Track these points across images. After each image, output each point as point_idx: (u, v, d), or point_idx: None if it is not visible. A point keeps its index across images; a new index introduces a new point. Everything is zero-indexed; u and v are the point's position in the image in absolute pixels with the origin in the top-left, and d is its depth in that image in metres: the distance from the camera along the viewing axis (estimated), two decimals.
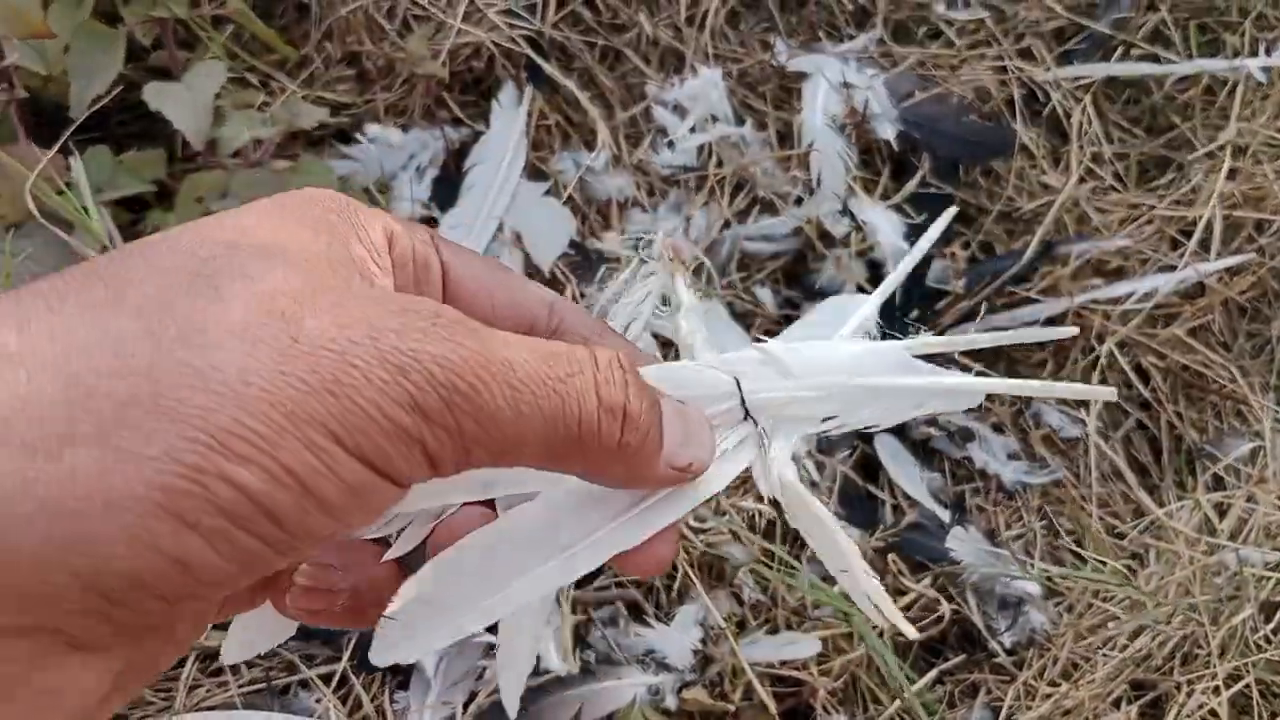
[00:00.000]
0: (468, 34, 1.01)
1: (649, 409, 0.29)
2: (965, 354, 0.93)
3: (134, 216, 0.93)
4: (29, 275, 0.81)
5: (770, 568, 0.78)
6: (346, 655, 0.78)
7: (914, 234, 0.96)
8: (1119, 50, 1.04)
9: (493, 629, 0.33)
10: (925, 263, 0.90)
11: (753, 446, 0.35)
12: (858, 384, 0.35)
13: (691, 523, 0.80)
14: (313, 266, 0.25)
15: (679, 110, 1.03)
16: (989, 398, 0.94)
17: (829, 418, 0.35)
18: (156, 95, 0.87)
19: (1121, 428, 0.92)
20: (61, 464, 0.21)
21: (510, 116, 1.02)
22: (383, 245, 0.29)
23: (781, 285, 1.01)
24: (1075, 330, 0.37)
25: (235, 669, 0.80)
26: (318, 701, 0.78)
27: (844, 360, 0.35)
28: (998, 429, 0.92)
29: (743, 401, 0.34)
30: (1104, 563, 0.81)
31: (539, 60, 0.99)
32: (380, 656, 0.30)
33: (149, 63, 0.98)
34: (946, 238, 0.99)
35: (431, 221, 0.99)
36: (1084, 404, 0.92)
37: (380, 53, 1.04)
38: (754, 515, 0.84)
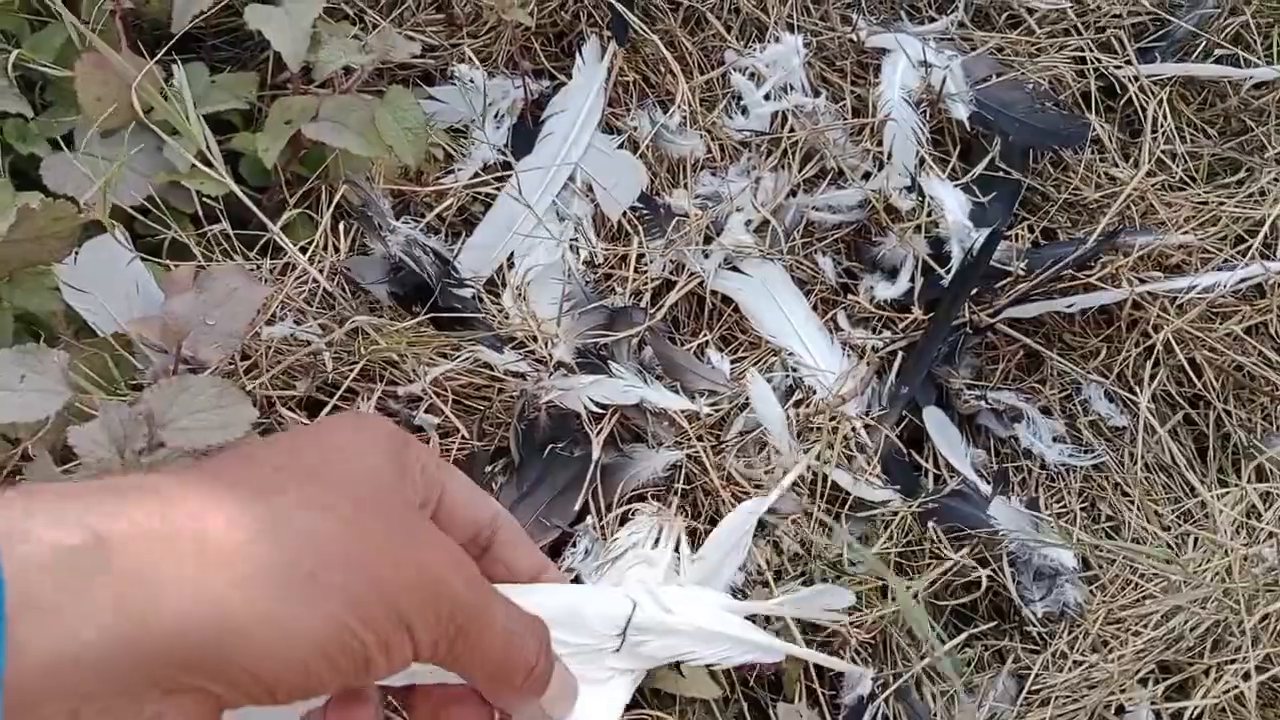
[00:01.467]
0: None
1: (546, 670, 0.41)
2: (1014, 325, 0.94)
3: (220, 138, 0.97)
4: (129, 176, 0.85)
5: (808, 519, 0.80)
6: None
7: (979, 214, 0.98)
8: (1200, 49, 1.05)
9: None
10: (995, 241, 0.91)
11: (622, 686, 0.49)
12: (713, 630, 0.54)
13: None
14: (403, 499, 0.39)
15: (756, 77, 1.05)
16: (1048, 370, 0.95)
17: (683, 654, 0.52)
18: (257, 16, 0.90)
19: (1169, 421, 0.93)
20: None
21: (592, 70, 1.04)
22: (419, 475, 0.41)
23: (843, 256, 1.02)
24: (848, 599, 0.67)
25: None
26: None
27: (709, 610, 0.55)
28: (1045, 411, 0.93)
29: (628, 622, 0.49)
30: (1147, 536, 0.82)
31: (627, 14, 1.01)
32: None
33: None
34: (1011, 221, 1.00)
35: (506, 166, 1.02)
36: (1133, 391, 0.93)
37: None
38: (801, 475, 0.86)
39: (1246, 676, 0.72)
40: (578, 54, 1.04)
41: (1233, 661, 0.74)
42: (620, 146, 1.01)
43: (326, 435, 0.39)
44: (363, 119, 0.87)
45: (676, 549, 0.70)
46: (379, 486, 0.37)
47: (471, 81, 1.01)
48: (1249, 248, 0.90)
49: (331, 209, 0.90)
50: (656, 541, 0.70)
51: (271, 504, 0.33)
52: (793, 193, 1.02)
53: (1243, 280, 0.89)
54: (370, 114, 0.88)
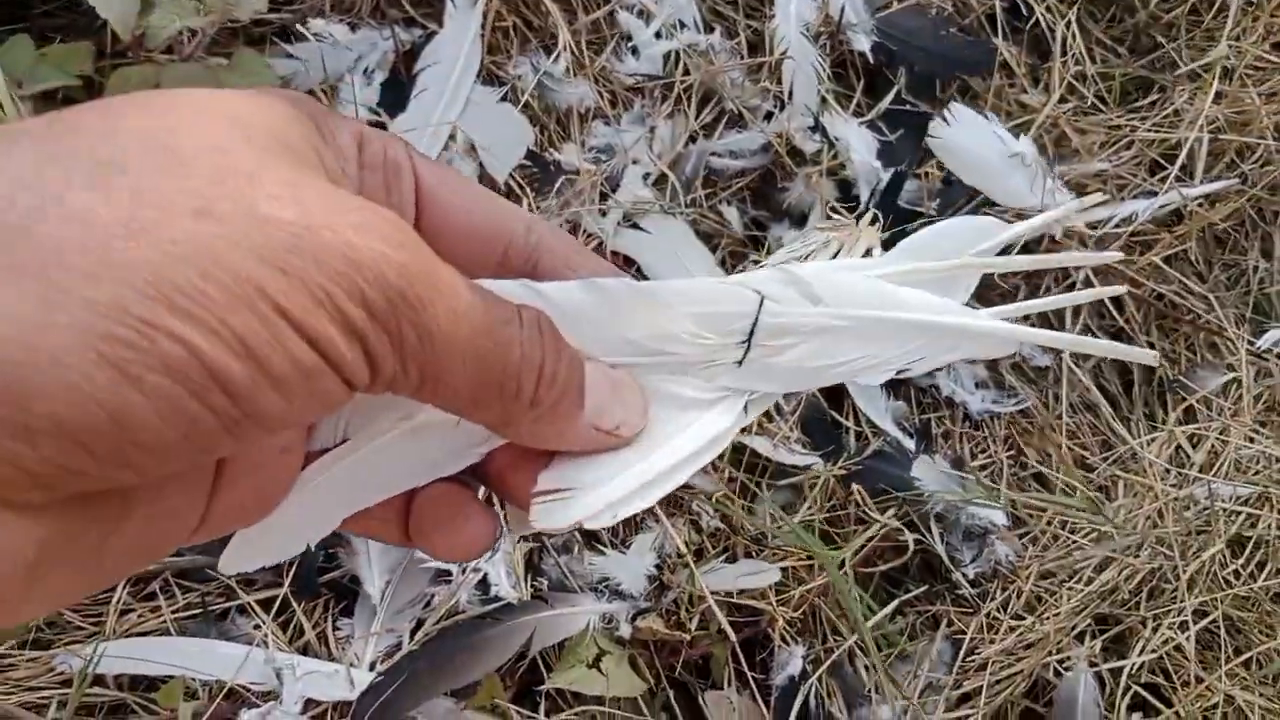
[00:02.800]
0: None
1: (567, 368, 0.29)
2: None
3: None
4: None
5: (731, 500, 0.75)
6: (288, 580, 0.75)
7: (887, 153, 0.92)
8: None
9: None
10: (898, 183, 0.86)
11: (729, 411, 0.33)
12: (891, 318, 0.32)
13: None
14: (281, 153, 0.24)
15: (644, 15, 0.98)
16: None
17: (838, 363, 0.33)
18: None
19: (1092, 358, 0.90)
20: (1, 306, 0.20)
21: (465, 16, 0.96)
22: (352, 151, 0.28)
23: (749, 204, 0.96)
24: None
25: (169, 592, 0.76)
26: (256, 628, 0.75)
27: (876, 293, 0.32)
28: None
29: (754, 324, 0.32)
30: (1070, 492, 0.79)
31: None
32: (229, 566, 0.32)
33: None
34: (920, 157, 0.95)
35: (380, 127, 0.94)
36: (1055, 329, 0.89)
37: None
38: None
39: (1184, 627, 0.70)
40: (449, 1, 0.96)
41: (1169, 611, 0.71)
42: (503, 99, 0.93)
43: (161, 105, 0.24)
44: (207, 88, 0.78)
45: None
46: (216, 141, 0.23)
47: (330, 36, 0.92)
48: (1167, 174, 0.87)
49: None
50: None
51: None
52: (692, 139, 0.96)
53: (1161, 207, 0.85)
54: (216, 82, 0.79)
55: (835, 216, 0.36)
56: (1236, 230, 0.95)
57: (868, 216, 0.34)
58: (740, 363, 0.32)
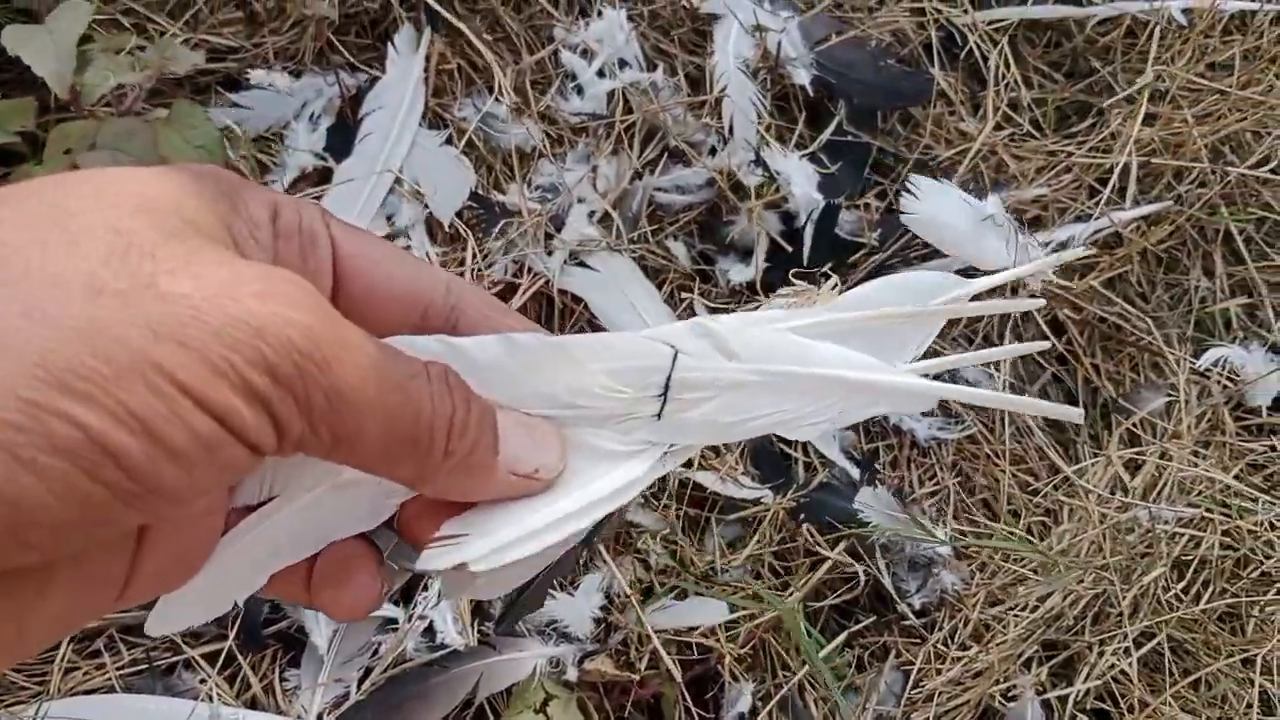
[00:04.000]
0: None
1: (478, 417, 0.29)
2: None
3: (5, 170, 0.87)
4: None
5: (678, 537, 0.75)
6: (233, 633, 0.74)
7: (828, 185, 0.93)
8: None
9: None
10: (834, 214, 0.87)
11: (644, 464, 0.33)
12: (804, 373, 0.32)
13: None
14: (181, 229, 0.25)
15: (587, 54, 0.99)
16: None
17: (753, 418, 0.32)
18: (16, 38, 0.80)
19: (1038, 381, 0.90)
20: None
21: (407, 61, 0.96)
22: (264, 219, 0.29)
23: (695, 238, 0.97)
24: (1040, 302, 0.36)
25: (114, 649, 0.76)
26: (202, 682, 0.74)
27: (793, 348, 0.32)
28: None
29: (668, 381, 0.32)
30: (1016, 518, 0.79)
31: (433, 2, 0.93)
32: (154, 628, 0.32)
33: (15, 3, 0.91)
34: (863, 187, 0.96)
35: (326, 171, 0.94)
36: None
37: None
38: (664, 477, 0.81)
39: (1128, 651, 0.70)
40: (390, 44, 0.96)
41: (1114, 636, 0.72)
42: (447, 142, 0.94)
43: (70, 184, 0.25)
44: (145, 143, 0.79)
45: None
46: (115, 222, 0.24)
47: (271, 85, 0.92)
48: (1101, 198, 0.88)
49: None
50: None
51: None
52: (637, 175, 0.96)
53: (1097, 231, 0.86)
54: (153, 136, 0.79)
55: (796, 283, 0.36)
56: (1179, 250, 0.96)
57: (829, 282, 0.34)
58: (658, 415, 0.32)
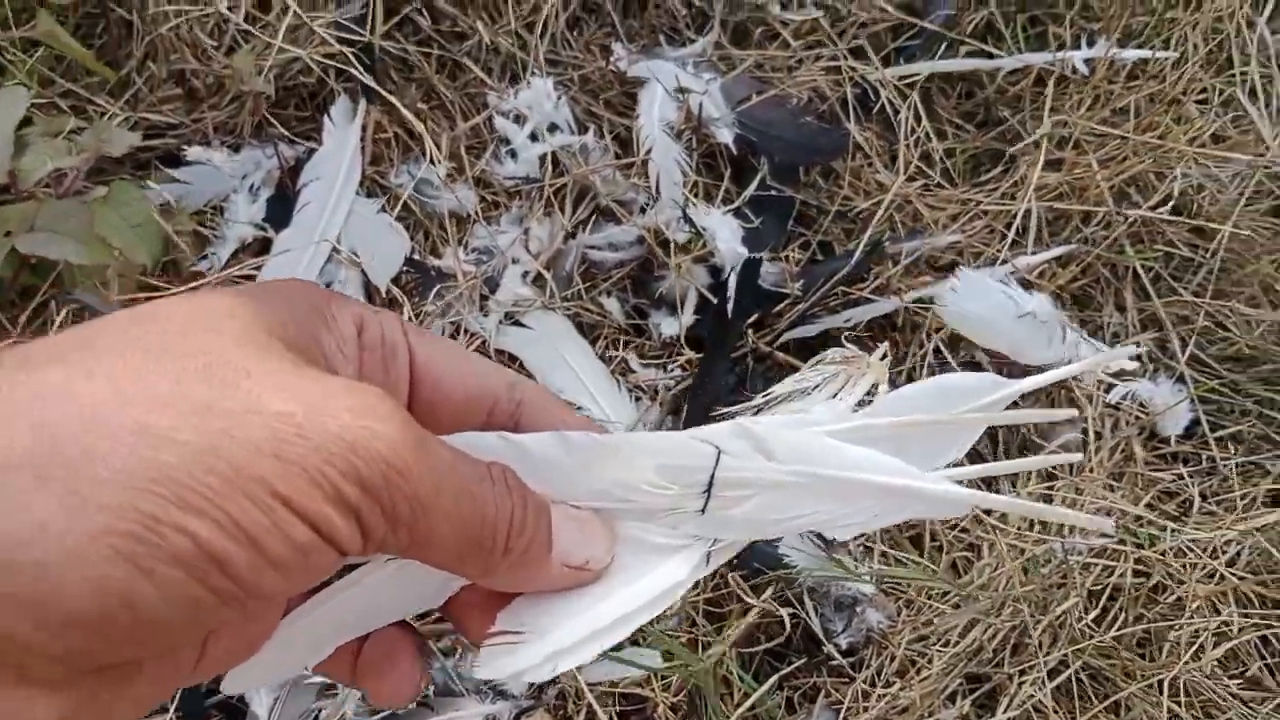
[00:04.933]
0: (292, 50, 0.98)
1: (534, 515, 0.32)
2: (803, 344, 0.93)
3: None
4: None
5: None
6: (174, 706, 0.76)
7: (753, 239, 0.97)
8: (949, 46, 1.06)
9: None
10: (756, 267, 0.91)
11: (689, 560, 0.34)
12: (838, 476, 0.33)
13: None
14: (276, 348, 0.27)
15: (520, 120, 1.02)
16: None
17: (793, 517, 0.34)
18: None
19: None
20: (30, 513, 0.23)
21: (344, 132, 0.99)
22: (351, 334, 0.32)
23: (629, 294, 1.00)
24: (1074, 412, 0.36)
25: None
26: None
27: (829, 452, 0.34)
28: None
29: (711, 479, 0.34)
30: (941, 553, 0.82)
31: (361, 74, 0.97)
32: (232, 687, 0.34)
33: None
34: (786, 240, 1.00)
35: (266, 242, 0.97)
36: None
37: (207, 70, 1.00)
38: None
39: (1044, 681, 0.73)
40: (326, 116, 1.00)
41: (1033, 666, 0.74)
42: (382, 209, 0.97)
43: (171, 307, 0.28)
44: (81, 224, 0.81)
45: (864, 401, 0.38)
46: (210, 345, 0.26)
47: (209, 161, 0.95)
48: (1019, 243, 0.92)
49: (58, 326, 0.84)
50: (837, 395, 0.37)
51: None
52: (570, 235, 0.99)
53: (1010, 275, 0.90)
54: (89, 217, 0.81)
55: (848, 346, 0.38)
56: (1093, 288, 1.00)
57: (878, 352, 0.36)
58: (703, 510, 0.34)
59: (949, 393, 0.35)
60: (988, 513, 0.87)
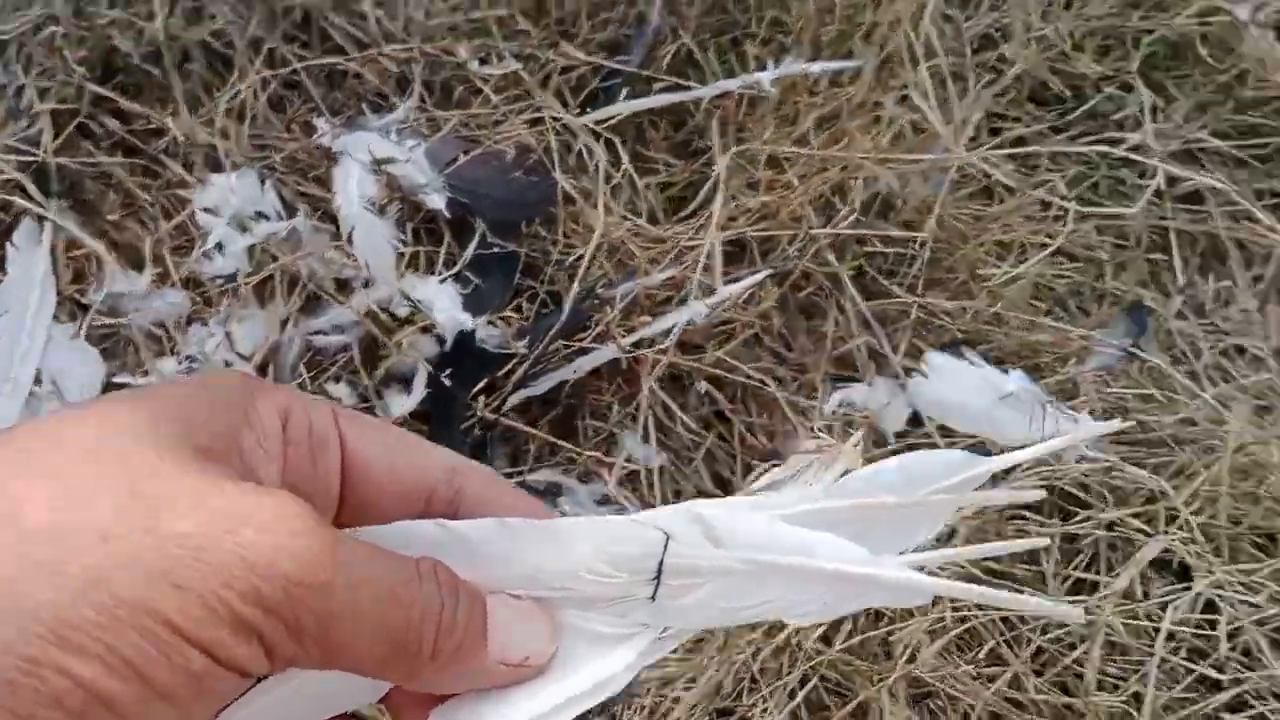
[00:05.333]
0: None
1: (466, 612, 0.30)
2: (545, 401, 0.94)
3: None
4: None
5: None
6: None
7: (474, 302, 0.96)
8: (649, 82, 1.08)
9: None
10: (470, 336, 0.91)
11: (636, 647, 0.33)
12: (786, 564, 0.32)
13: None
14: (185, 461, 0.26)
15: (219, 213, 0.99)
16: (581, 430, 0.95)
17: (747, 605, 0.33)
18: None
19: (701, 448, 0.96)
20: None
21: (29, 256, 0.95)
22: (275, 428, 0.30)
23: (361, 374, 0.98)
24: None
25: None
26: None
27: (783, 537, 0.32)
28: (584, 477, 0.93)
29: (660, 563, 0.32)
30: None
31: (35, 198, 0.93)
32: None
33: None
34: (513, 295, 1.00)
35: None
36: (664, 431, 0.95)
37: None
38: None
39: (786, 703, 0.75)
40: (9, 244, 0.95)
41: (775, 690, 0.76)
42: (78, 332, 0.93)
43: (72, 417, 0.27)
44: None
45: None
46: (107, 462, 0.25)
47: None
48: (713, 273, 0.94)
49: None
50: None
51: None
52: (288, 322, 0.97)
53: (715, 308, 0.92)
54: None
55: (822, 436, 0.36)
56: (816, 295, 1.04)
57: (852, 439, 0.34)
58: (652, 598, 0.32)
59: (916, 472, 0.34)
60: None
